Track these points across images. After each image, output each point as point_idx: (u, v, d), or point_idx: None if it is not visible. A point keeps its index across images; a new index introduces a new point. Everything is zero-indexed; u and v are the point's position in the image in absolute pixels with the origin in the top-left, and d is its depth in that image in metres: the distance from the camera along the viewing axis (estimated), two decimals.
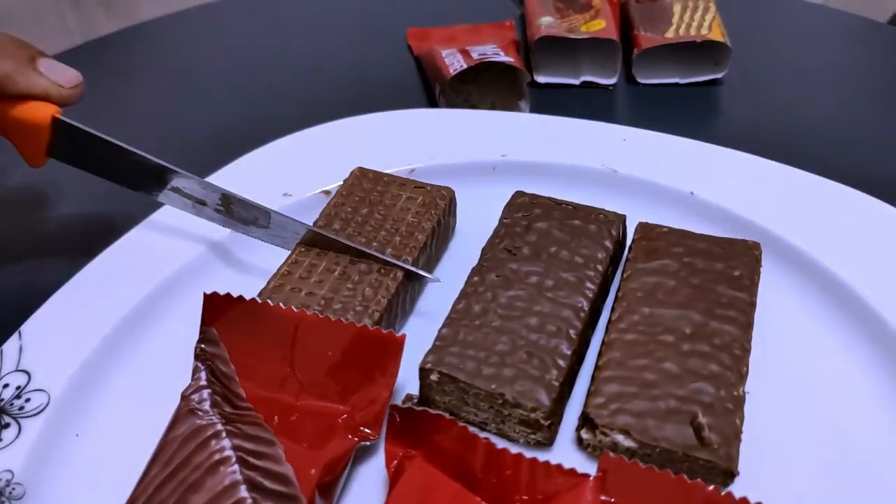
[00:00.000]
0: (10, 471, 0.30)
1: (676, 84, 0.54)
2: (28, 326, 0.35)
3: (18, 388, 0.33)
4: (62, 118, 0.37)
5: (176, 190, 0.38)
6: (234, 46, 0.63)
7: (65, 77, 0.38)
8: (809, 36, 0.61)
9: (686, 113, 0.52)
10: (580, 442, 0.31)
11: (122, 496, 0.28)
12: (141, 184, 0.38)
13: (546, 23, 0.55)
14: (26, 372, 0.34)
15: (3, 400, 0.33)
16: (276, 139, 0.45)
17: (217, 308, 0.32)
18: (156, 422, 0.30)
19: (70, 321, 0.35)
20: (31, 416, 0.32)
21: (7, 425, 0.32)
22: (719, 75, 0.54)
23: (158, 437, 0.29)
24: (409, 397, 0.33)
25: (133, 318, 0.36)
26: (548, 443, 0.31)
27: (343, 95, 0.55)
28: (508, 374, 0.30)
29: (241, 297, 0.32)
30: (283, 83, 0.57)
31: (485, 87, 0.53)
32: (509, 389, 0.30)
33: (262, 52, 0.61)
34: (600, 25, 0.54)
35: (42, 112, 0.37)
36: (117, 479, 0.29)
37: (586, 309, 0.33)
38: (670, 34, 0.53)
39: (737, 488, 0.29)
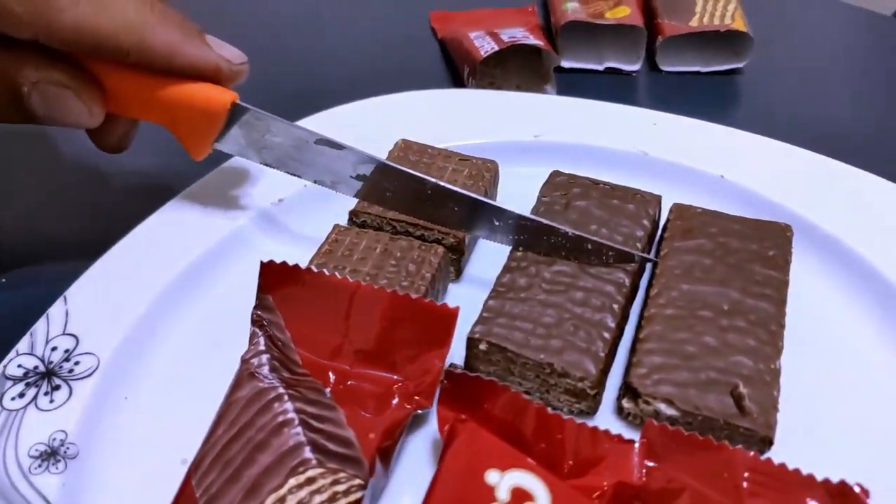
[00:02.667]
0: (63, 431, 0.31)
1: (698, 72, 0.56)
2: (73, 291, 0.36)
3: (67, 351, 0.34)
4: (243, 104, 0.36)
5: (362, 178, 0.36)
6: (253, 25, 0.63)
7: (232, 53, 0.36)
8: (828, 29, 0.62)
9: (707, 100, 0.53)
10: (620, 411, 0.32)
11: (170, 457, 0.30)
12: (323, 174, 0.37)
13: (572, 8, 0.56)
14: (74, 336, 0.34)
15: (52, 363, 0.33)
16: (302, 118, 0.45)
17: (273, 276, 0.33)
18: (203, 386, 0.31)
19: (115, 286, 0.36)
20: (80, 378, 0.33)
21: (58, 387, 0.33)
22: (741, 65, 0.55)
23: (206, 401, 0.30)
24: (453, 367, 0.34)
25: (179, 284, 0.37)
26: (591, 412, 0.32)
27: (364, 78, 0.55)
28: (556, 345, 0.32)
29: (297, 266, 0.33)
30: (303, 65, 0.58)
31: (510, 71, 0.54)
32: (558, 359, 0.31)
33: (281, 33, 0.62)
34: (625, 12, 0.55)
35: (221, 97, 0.35)
36: (165, 441, 0.30)
37: (628, 284, 0.34)
38: (694, 23, 0.54)
39: (771, 455, 0.30)
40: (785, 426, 0.31)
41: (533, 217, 0.36)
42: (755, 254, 0.36)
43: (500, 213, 0.36)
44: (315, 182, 0.38)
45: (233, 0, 0.67)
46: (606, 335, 0.32)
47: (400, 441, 0.30)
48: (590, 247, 0.35)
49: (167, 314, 0.36)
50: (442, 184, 0.35)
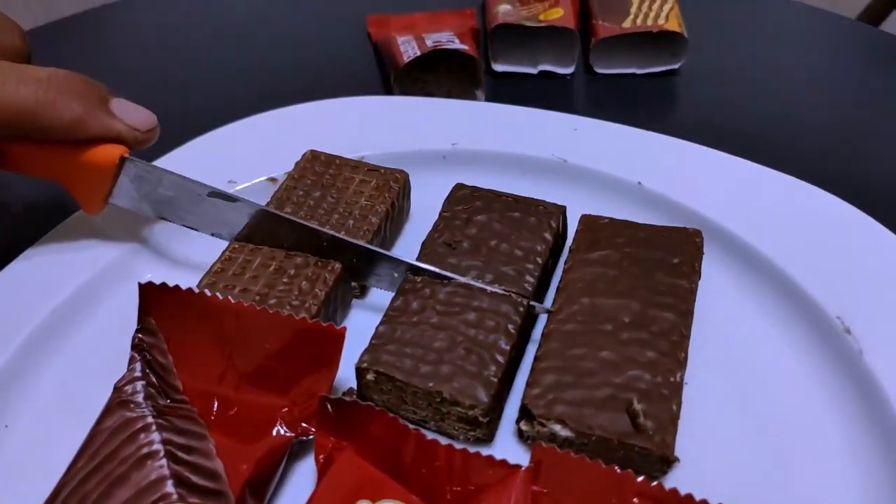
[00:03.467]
0: None
1: (634, 74, 0.54)
2: None
3: None
4: (132, 158, 0.35)
5: (253, 232, 0.36)
6: (188, 29, 0.62)
7: (139, 119, 0.35)
8: (770, 29, 0.61)
9: (643, 103, 0.52)
10: (521, 434, 0.31)
11: (50, 488, 0.28)
12: (218, 226, 0.36)
13: (504, 10, 0.54)
14: None
15: None
16: (218, 126, 0.44)
17: (154, 298, 0.32)
18: (88, 414, 0.29)
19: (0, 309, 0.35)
20: None
21: None
22: (676, 66, 0.54)
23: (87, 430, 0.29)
24: (350, 392, 0.32)
25: (65, 310, 0.35)
26: (488, 439, 0.31)
27: (298, 82, 0.54)
28: (446, 372, 0.30)
29: (177, 287, 0.31)
30: (239, 68, 0.56)
31: (441, 76, 0.53)
32: (447, 387, 0.30)
33: (220, 36, 0.60)
34: (558, 14, 0.53)
35: (109, 153, 0.34)
36: (46, 471, 0.28)
37: (525, 304, 0.33)
38: (627, 24, 0.53)
39: (676, 475, 0.29)
40: (689, 443, 0.29)
41: (420, 265, 0.34)
42: (660, 262, 0.35)
43: (392, 262, 0.35)
44: (213, 235, 0.37)
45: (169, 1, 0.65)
46: (500, 358, 0.31)
47: (279, 470, 0.29)
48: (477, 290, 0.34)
49: (54, 341, 0.34)
50: (339, 236, 0.35)
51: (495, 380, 0.30)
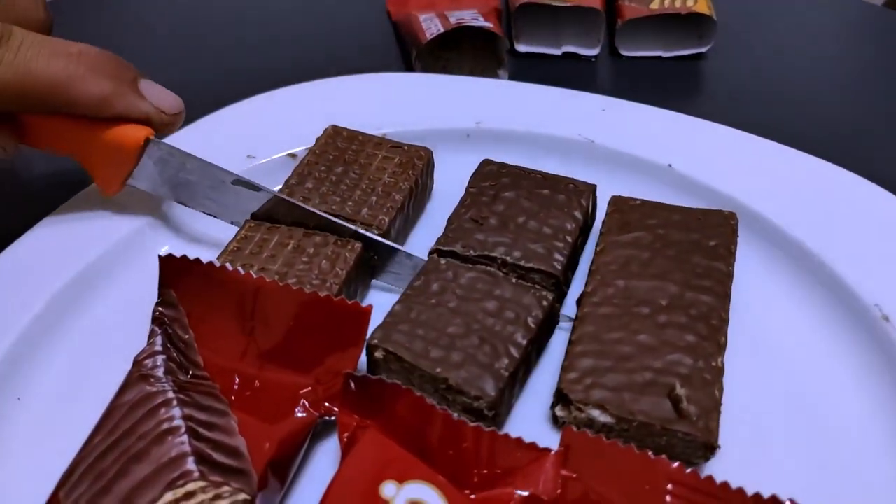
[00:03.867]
0: None
1: (660, 57, 0.53)
2: None
3: None
4: (157, 140, 0.34)
5: (272, 217, 0.35)
6: (210, 2, 0.61)
7: (167, 102, 0.35)
8: (800, 14, 0.60)
9: (669, 87, 0.51)
10: (555, 420, 0.30)
11: (65, 464, 0.27)
12: (238, 215, 0.35)
13: None
14: None
15: None
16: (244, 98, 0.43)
17: (174, 271, 0.31)
18: (106, 388, 0.29)
19: (12, 282, 0.34)
20: None
21: None
22: (704, 49, 0.53)
23: (102, 405, 0.28)
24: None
25: (81, 282, 0.34)
26: None
27: (316, 60, 0.53)
28: (456, 359, 0.29)
29: (198, 260, 0.30)
30: (257, 43, 0.55)
31: (463, 54, 0.51)
32: (454, 374, 0.28)
33: (241, 10, 0.59)
34: None
35: (135, 133, 0.34)
36: (61, 447, 0.27)
37: (550, 298, 0.31)
38: (655, 5, 0.52)
39: (717, 462, 0.28)
40: (729, 429, 0.28)
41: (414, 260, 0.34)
42: (696, 244, 0.34)
43: (404, 255, 0.34)
44: (232, 223, 0.36)
45: None
46: (514, 352, 0.29)
47: (302, 450, 0.28)
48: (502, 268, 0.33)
49: (66, 313, 0.34)
50: (362, 231, 0.34)
51: (506, 374, 0.29)
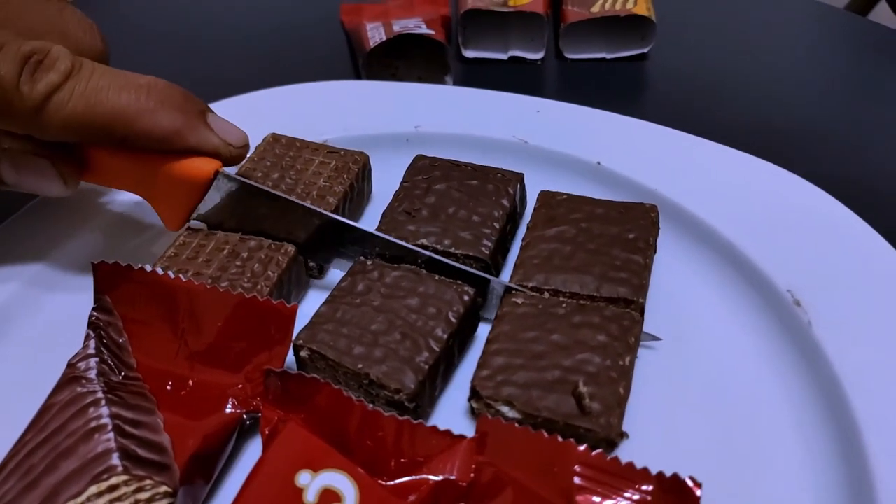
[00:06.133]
0: None
1: (604, 59, 0.55)
2: None
3: None
4: (226, 172, 0.34)
5: (345, 253, 0.35)
6: (157, 9, 0.62)
7: (234, 135, 0.34)
8: (741, 14, 0.61)
9: (613, 88, 0.52)
10: (473, 412, 0.31)
11: None
12: (310, 249, 0.35)
13: None
14: None
15: None
16: None
17: (108, 277, 0.32)
18: (43, 390, 0.30)
19: None
20: None
21: None
22: (645, 50, 0.54)
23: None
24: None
25: (25, 290, 0.36)
26: None
27: (271, 69, 0.54)
28: (378, 355, 0.30)
29: (129, 266, 0.31)
30: (213, 55, 0.56)
31: (412, 62, 0.53)
32: (375, 369, 0.30)
33: (197, 23, 0.61)
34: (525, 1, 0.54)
35: (205, 166, 0.33)
36: None
37: (471, 293, 0.33)
38: (596, 9, 0.53)
39: (628, 447, 0.29)
40: (638, 415, 0.30)
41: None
42: (616, 237, 0.35)
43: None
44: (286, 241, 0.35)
45: None
46: (434, 346, 0.31)
47: (229, 445, 0.29)
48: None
49: (12, 320, 0.35)
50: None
51: (426, 367, 0.30)
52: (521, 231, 0.38)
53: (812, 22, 0.60)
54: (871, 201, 0.38)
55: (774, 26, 0.59)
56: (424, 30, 0.50)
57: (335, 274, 0.37)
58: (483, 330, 0.34)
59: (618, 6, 0.53)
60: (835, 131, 0.47)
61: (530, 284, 0.34)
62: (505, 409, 0.29)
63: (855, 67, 0.55)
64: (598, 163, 0.40)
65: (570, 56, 0.55)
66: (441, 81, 0.52)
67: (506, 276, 0.36)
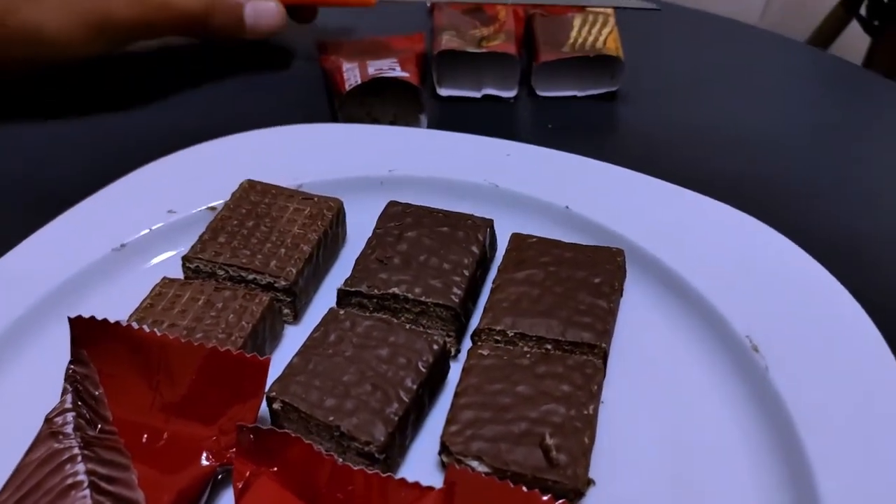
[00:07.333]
0: None
1: (576, 97, 0.56)
2: None
3: None
4: None
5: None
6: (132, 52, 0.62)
7: None
8: (710, 50, 0.63)
9: (585, 125, 0.53)
10: (443, 465, 0.32)
11: None
12: None
13: (448, 37, 0.56)
14: None
15: None
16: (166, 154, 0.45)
17: (85, 331, 0.32)
18: (21, 445, 0.30)
19: None
20: None
21: None
22: (615, 88, 0.55)
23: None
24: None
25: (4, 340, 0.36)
26: None
27: (249, 111, 0.55)
28: (349, 407, 0.31)
29: (105, 321, 0.32)
30: (189, 96, 0.57)
31: (387, 100, 0.54)
32: (346, 422, 0.30)
33: (164, 60, 0.61)
34: (500, 40, 0.55)
35: None
36: None
37: (440, 342, 0.33)
38: (567, 49, 0.55)
39: (592, 496, 0.30)
40: (604, 462, 0.31)
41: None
42: (583, 282, 0.36)
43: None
44: None
45: None
46: (404, 396, 0.31)
47: (203, 498, 0.30)
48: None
49: None
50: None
51: (395, 418, 0.31)
52: (492, 274, 0.39)
53: (780, 57, 0.62)
54: (830, 249, 0.39)
55: (741, 61, 0.61)
56: (398, 72, 0.51)
57: (309, 320, 0.38)
58: (454, 374, 0.35)
59: (587, 46, 0.54)
60: (803, 178, 0.48)
61: (498, 328, 0.35)
62: (475, 464, 0.30)
63: (824, 107, 0.56)
64: (567, 207, 0.41)
65: (541, 94, 0.56)
66: (416, 119, 0.53)
67: (476, 318, 0.37)
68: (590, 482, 0.30)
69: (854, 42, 1.16)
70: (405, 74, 0.51)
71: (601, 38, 0.55)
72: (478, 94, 0.56)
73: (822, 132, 0.54)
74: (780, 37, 0.64)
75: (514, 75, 0.55)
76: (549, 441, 0.30)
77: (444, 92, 0.55)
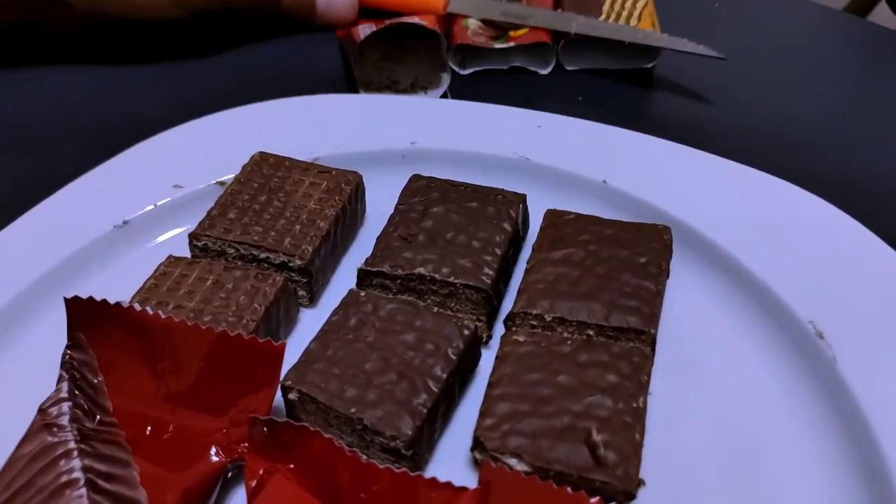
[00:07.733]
0: None
1: (606, 70, 0.52)
2: None
3: None
4: None
5: None
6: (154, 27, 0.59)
7: None
8: (749, 24, 0.59)
9: (618, 99, 0.50)
10: (476, 462, 0.29)
11: None
12: None
13: (472, 28, 0.52)
14: None
15: None
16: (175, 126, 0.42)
17: (83, 313, 0.30)
18: (13, 437, 0.27)
19: None
20: None
21: None
22: (649, 65, 0.52)
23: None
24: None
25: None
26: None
27: (264, 87, 0.52)
28: (372, 397, 0.28)
29: (105, 301, 0.29)
30: (204, 71, 0.54)
31: (408, 65, 0.51)
32: (369, 414, 0.27)
33: (181, 31, 0.58)
34: (524, 31, 0.51)
35: None
36: None
37: (471, 327, 0.30)
38: (602, 19, 0.51)
39: (644, 496, 0.27)
40: (654, 457, 0.28)
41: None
42: (627, 261, 0.33)
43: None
44: None
45: None
46: (433, 386, 0.28)
47: (212, 497, 0.27)
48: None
49: None
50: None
51: (424, 410, 0.28)
52: (525, 254, 0.36)
53: (815, 25, 0.58)
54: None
55: (783, 34, 0.57)
56: (417, 20, 0.48)
57: (327, 303, 0.35)
58: (485, 362, 0.32)
59: (621, 21, 0.51)
60: (849, 142, 0.45)
61: (534, 312, 0.32)
62: (512, 462, 0.27)
63: (858, 74, 0.53)
64: (604, 181, 0.38)
65: (570, 68, 0.52)
66: (437, 79, 0.49)
67: (508, 302, 0.34)
68: (640, 483, 0.27)
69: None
70: (424, 23, 0.48)
71: (635, 13, 0.51)
72: (505, 66, 0.52)
73: (860, 100, 0.50)
74: (820, 6, 0.60)
75: (546, 57, 0.52)
76: (597, 437, 0.27)
77: (466, 71, 0.52)
